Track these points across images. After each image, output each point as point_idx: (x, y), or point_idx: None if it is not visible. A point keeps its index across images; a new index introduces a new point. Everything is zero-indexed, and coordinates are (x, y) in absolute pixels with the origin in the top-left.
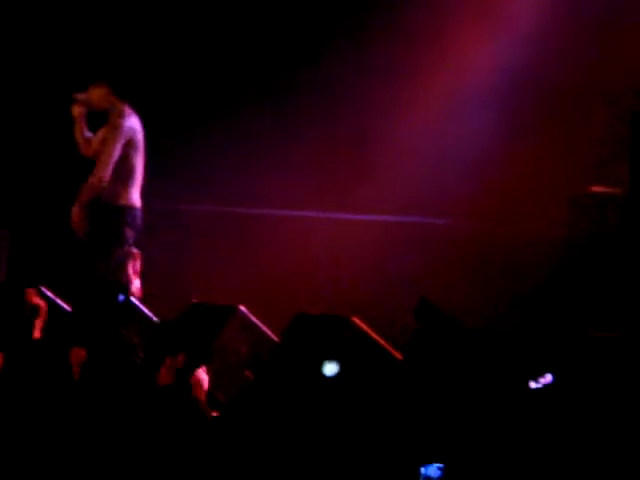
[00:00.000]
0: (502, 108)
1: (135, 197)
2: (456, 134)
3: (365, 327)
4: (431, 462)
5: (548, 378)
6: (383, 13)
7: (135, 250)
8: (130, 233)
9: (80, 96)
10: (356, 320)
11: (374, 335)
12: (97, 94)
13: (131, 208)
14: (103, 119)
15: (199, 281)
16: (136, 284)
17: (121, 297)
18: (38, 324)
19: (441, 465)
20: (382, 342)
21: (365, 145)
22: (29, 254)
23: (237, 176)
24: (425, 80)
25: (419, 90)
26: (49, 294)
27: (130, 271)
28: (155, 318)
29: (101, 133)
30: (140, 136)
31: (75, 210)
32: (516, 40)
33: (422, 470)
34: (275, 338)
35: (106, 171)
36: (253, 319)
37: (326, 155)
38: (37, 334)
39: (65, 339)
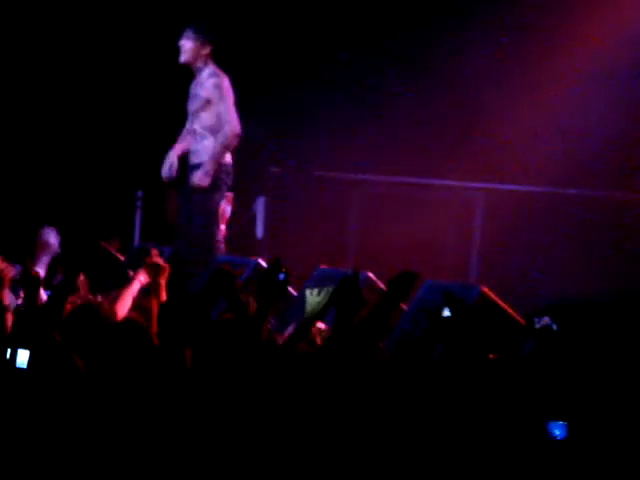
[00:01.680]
0: None
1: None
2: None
3: (494, 296)
4: (557, 420)
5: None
6: None
7: (229, 194)
8: (225, 187)
9: None
10: (485, 289)
11: (503, 304)
12: (197, 49)
13: (225, 164)
14: None
15: (330, 247)
16: (221, 228)
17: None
18: (163, 283)
19: (565, 423)
20: (511, 312)
21: (507, 115)
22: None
23: (378, 146)
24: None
25: (567, 62)
26: None
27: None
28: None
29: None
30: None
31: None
32: None
33: (550, 428)
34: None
35: (237, 126)
36: (380, 285)
37: (466, 125)
38: (163, 294)
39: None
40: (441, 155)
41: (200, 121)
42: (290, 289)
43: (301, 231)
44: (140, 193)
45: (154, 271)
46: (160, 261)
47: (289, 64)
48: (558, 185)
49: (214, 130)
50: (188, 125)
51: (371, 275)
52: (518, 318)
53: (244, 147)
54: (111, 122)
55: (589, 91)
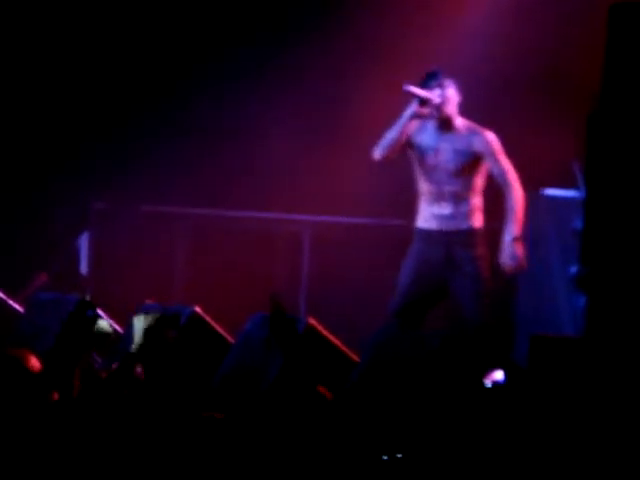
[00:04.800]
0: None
1: None
2: None
3: (321, 328)
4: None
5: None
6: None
7: None
8: None
9: None
10: (312, 321)
11: (330, 336)
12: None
13: None
14: None
15: (156, 282)
16: None
17: (89, 312)
18: None
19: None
20: (338, 343)
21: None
22: None
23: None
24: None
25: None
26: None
27: None
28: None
29: None
30: None
31: None
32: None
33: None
34: (229, 339)
35: None
36: (208, 320)
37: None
38: None
39: None
40: (266, 187)
41: None
42: (116, 326)
43: (127, 266)
44: None
45: None
46: None
47: (115, 98)
48: (382, 216)
49: None
50: None
51: (198, 310)
52: (346, 351)
53: (69, 183)
54: None
55: None
